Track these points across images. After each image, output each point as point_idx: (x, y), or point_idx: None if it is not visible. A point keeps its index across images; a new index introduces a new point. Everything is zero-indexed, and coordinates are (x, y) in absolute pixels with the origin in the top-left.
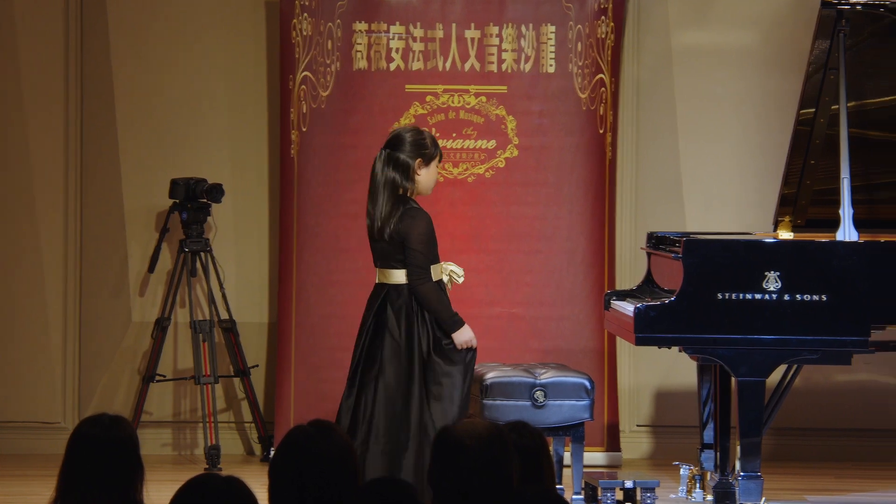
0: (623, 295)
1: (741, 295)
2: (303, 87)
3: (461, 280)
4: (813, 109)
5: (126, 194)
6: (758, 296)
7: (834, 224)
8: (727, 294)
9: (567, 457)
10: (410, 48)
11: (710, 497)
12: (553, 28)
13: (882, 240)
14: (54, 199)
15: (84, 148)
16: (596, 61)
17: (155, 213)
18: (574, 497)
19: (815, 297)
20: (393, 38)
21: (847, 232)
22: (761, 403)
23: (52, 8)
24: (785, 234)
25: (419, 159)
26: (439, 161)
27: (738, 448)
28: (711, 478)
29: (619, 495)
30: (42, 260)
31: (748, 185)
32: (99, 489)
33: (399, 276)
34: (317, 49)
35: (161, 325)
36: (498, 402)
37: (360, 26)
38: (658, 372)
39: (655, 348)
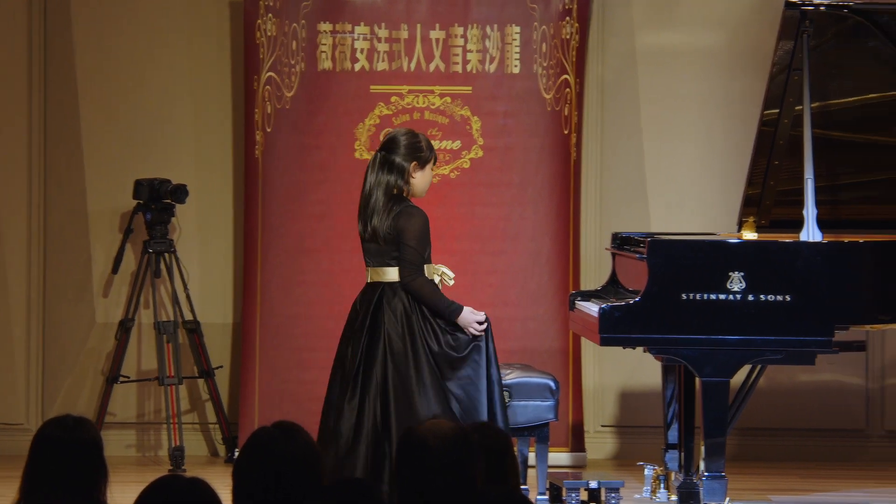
0: (588, 295)
1: (705, 295)
2: (267, 87)
3: (451, 283)
4: (777, 110)
5: (90, 195)
6: (722, 296)
7: (798, 225)
8: (691, 294)
9: (532, 457)
10: (375, 49)
11: (674, 497)
12: (518, 29)
13: (846, 240)
14: (17, 200)
15: (48, 149)
16: (560, 62)
17: (119, 214)
18: (538, 497)
19: (779, 298)
20: (358, 39)
21: (811, 232)
22: (725, 403)
23: (16, 8)
24: (749, 235)
25: (414, 162)
26: (434, 164)
27: (703, 448)
28: (676, 478)
29: (584, 496)
30: (5, 261)
31: (713, 186)
32: (63, 490)
33: (394, 274)
34: (281, 49)
35: (125, 327)
36: None
37: (325, 27)
38: (623, 372)
39: (620, 348)
